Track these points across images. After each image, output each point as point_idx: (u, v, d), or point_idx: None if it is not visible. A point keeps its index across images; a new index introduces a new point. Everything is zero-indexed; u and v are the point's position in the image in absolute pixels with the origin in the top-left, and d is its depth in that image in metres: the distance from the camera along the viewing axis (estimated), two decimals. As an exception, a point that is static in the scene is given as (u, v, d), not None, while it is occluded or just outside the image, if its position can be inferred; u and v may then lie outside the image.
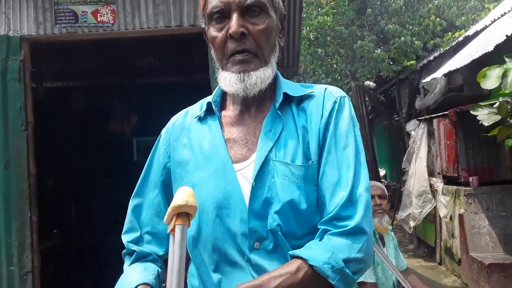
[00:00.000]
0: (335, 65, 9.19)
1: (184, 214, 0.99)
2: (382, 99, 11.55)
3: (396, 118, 9.93)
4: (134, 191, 1.28)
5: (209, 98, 1.28)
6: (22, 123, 2.85)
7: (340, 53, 8.80)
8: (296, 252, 1.04)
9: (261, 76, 1.14)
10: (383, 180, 15.50)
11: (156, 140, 1.31)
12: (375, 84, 10.45)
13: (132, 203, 1.27)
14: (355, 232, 1.06)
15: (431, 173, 6.95)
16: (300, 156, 1.12)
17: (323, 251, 1.02)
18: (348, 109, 1.18)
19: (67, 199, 5.85)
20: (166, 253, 1.23)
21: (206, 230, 1.13)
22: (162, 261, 1.25)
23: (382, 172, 16.32)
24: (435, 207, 6.64)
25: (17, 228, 2.82)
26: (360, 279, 2.86)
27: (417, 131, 7.39)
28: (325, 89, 1.22)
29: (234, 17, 1.12)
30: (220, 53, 1.17)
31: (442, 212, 6.21)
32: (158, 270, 1.19)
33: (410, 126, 7.69)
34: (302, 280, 1.00)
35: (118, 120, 5.14)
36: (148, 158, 1.30)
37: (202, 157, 1.18)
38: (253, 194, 1.09)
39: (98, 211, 5.68)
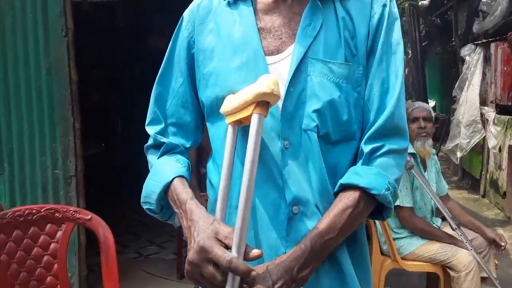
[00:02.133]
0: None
1: (264, 103, 0.94)
2: (437, 22, 10.85)
3: (451, 44, 9.36)
4: (157, 79, 1.20)
5: None
6: (62, 28, 2.83)
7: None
8: (353, 181, 0.98)
9: None
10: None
11: (178, 24, 1.20)
12: (428, 2, 9.77)
13: (154, 92, 1.20)
14: (404, 150, 1.05)
15: (483, 102, 6.61)
16: (342, 54, 1.03)
17: (380, 178, 0.99)
18: (397, 13, 1.09)
19: (111, 113, 6.02)
20: (192, 146, 1.20)
21: None
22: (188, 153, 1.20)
23: (431, 103, 15.76)
24: (484, 138, 6.38)
25: (61, 134, 2.90)
26: (397, 203, 2.82)
27: (472, 56, 6.95)
28: None
29: None
30: None
31: (491, 142, 5.96)
32: (188, 162, 1.15)
33: (465, 51, 7.22)
34: (363, 210, 0.99)
35: (158, 36, 5.10)
36: (170, 44, 1.19)
37: (231, 45, 1.08)
38: (288, 91, 1.01)
39: (140, 125, 5.81)
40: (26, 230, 1.69)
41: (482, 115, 6.46)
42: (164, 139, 1.16)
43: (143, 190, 1.12)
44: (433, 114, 3.13)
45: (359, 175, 0.99)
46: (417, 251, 2.82)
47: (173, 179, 1.06)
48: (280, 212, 1.01)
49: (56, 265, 1.70)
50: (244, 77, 1.04)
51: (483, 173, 6.59)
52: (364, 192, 0.98)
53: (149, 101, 1.21)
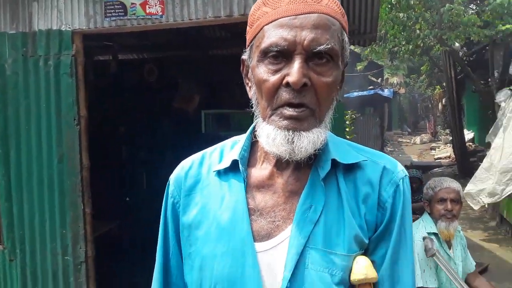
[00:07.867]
0: (418, 31, 8.33)
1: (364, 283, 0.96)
2: (469, 60, 10.59)
3: (486, 82, 9.10)
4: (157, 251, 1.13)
5: (231, 145, 1.10)
6: (74, 117, 2.90)
7: (425, 17, 7.90)
8: None
9: (314, 140, 0.93)
10: (470, 143, 14.35)
11: (165, 190, 1.12)
12: (460, 46, 9.58)
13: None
14: None
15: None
16: (346, 242, 0.95)
17: None
18: (409, 195, 1.02)
19: (138, 169, 6.08)
20: None
21: None
22: None
23: (470, 135, 15.11)
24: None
25: (71, 220, 2.94)
26: (420, 284, 2.66)
27: (508, 103, 6.70)
28: (383, 166, 1.01)
29: (297, 62, 0.90)
30: (267, 100, 0.95)
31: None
32: None
33: (501, 96, 6.98)
34: None
35: (184, 101, 5.17)
36: (162, 211, 1.12)
37: (217, 227, 1.00)
38: None
39: (166, 180, 5.82)
40: None
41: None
42: None
43: None
44: (462, 194, 2.96)
45: None
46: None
47: None
48: None
49: None
50: (229, 266, 0.96)
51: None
52: None
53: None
